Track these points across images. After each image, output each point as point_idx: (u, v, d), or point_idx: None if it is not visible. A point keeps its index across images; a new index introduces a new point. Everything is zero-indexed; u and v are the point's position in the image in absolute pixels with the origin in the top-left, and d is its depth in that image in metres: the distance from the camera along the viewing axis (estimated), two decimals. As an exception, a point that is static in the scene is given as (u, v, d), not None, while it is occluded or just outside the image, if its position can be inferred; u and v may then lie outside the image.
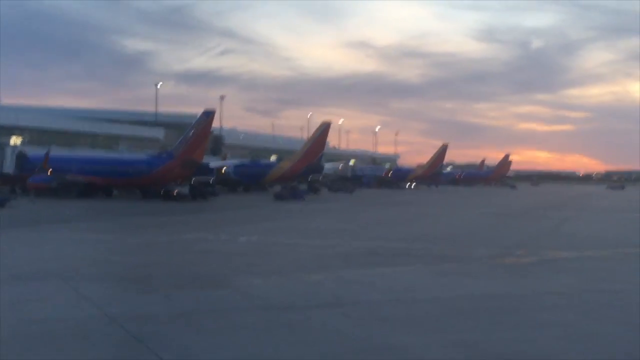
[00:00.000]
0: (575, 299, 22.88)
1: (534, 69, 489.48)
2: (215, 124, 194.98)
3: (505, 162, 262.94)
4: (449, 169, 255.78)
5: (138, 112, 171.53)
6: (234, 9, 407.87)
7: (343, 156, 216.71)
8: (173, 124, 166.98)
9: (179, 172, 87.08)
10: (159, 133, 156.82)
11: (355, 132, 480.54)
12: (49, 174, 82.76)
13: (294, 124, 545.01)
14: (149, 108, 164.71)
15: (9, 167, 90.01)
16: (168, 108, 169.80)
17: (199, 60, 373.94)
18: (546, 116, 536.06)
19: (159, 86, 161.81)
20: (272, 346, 15.90)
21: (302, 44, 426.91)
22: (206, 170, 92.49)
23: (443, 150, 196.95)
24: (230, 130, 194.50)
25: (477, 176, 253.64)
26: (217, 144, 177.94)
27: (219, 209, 72.84)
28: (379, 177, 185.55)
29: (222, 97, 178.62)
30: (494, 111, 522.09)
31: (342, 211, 73.03)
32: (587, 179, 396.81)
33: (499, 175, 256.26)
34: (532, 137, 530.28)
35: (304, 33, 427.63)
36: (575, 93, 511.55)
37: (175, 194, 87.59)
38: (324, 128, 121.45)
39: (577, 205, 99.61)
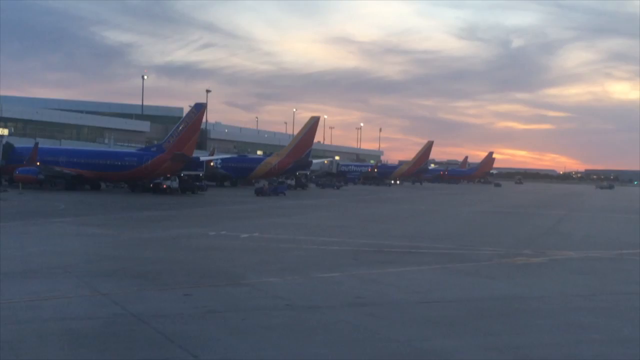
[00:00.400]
0: (600, 301, 22.69)
1: (514, 67, 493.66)
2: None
3: (489, 160, 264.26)
4: (432, 165, 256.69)
5: (123, 104, 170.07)
6: (216, 3, 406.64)
7: (327, 152, 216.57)
8: (159, 117, 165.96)
9: (169, 166, 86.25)
10: (144, 126, 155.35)
11: (337, 128, 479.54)
12: (37, 166, 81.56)
13: (275, 119, 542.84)
14: (129, 100, 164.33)
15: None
16: (149, 101, 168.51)
17: (180, 54, 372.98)
18: (525, 115, 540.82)
19: (145, 77, 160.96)
20: (310, 348, 15.47)
21: (283, 39, 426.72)
22: (197, 164, 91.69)
23: (428, 147, 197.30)
24: (215, 124, 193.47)
25: (460, 173, 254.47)
26: (203, 138, 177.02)
27: (211, 204, 72.14)
28: (364, 173, 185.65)
29: (207, 91, 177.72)
30: (474, 109, 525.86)
31: (336, 207, 72.60)
32: (567, 177, 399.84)
33: (482, 173, 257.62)
34: (511, 136, 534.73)
35: (286, 28, 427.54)
36: (554, 92, 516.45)
37: (164, 187, 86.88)
38: (313, 123, 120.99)
39: (569, 204, 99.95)
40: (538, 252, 35.18)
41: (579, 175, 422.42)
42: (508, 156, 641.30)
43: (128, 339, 15.65)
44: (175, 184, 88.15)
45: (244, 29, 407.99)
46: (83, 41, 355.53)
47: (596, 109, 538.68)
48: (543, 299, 22.34)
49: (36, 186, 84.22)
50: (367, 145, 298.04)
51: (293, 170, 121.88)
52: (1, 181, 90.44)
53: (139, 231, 40.06)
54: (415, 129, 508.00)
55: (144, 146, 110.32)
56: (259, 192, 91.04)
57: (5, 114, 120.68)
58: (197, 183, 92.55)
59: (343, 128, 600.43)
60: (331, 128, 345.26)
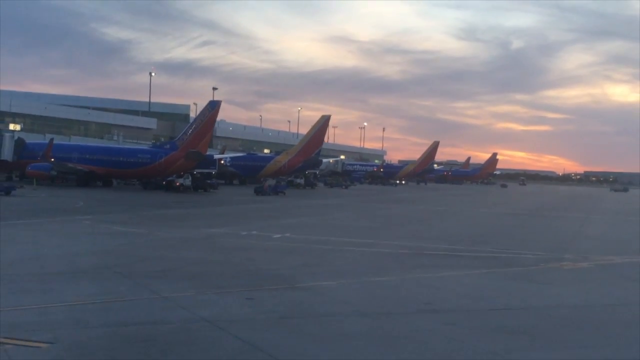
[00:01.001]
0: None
1: (513, 69, 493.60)
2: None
3: (493, 160, 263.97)
4: (435, 166, 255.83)
5: (130, 101, 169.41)
6: (216, 1, 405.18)
7: (331, 151, 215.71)
8: (165, 114, 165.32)
9: (182, 163, 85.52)
10: (152, 123, 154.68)
11: (337, 127, 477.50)
12: (50, 162, 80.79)
13: (274, 117, 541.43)
14: (130, 97, 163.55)
15: (7, 154, 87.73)
16: (148, 98, 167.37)
17: (179, 51, 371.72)
18: (524, 116, 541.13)
19: (153, 74, 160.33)
20: (402, 357, 14.80)
21: (283, 38, 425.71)
22: (210, 162, 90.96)
23: (434, 147, 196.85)
24: (220, 122, 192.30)
25: (464, 174, 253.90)
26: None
27: (229, 202, 71.49)
28: (369, 172, 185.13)
29: (214, 89, 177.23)
30: (473, 110, 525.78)
31: (354, 207, 71.93)
32: (566, 179, 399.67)
33: (486, 174, 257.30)
34: (510, 137, 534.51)
35: (286, 27, 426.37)
36: (553, 94, 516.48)
37: (177, 185, 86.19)
38: (324, 122, 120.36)
39: (584, 207, 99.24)
40: (580, 256, 34.49)
41: (577, 177, 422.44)
42: (507, 157, 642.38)
43: (213, 347, 14.97)
44: (188, 181, 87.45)
45: (244, 27, 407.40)
46: (83, 38, 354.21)
47: (595, 111, 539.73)
48: (616, 308, 21.67)
49: (48, 182, 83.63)
50: (368, 145, 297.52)
51: (303, 169, 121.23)
52: (12, 176, 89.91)
53: (170, 230, 39.34)
54: (414, 129, 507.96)
55: (157, 143, 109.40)
56: (259, 192, 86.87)
57: (13, 109, 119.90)
58: (209, 181, 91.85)
59: (342, 127, 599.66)
60: (334, 127, 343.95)
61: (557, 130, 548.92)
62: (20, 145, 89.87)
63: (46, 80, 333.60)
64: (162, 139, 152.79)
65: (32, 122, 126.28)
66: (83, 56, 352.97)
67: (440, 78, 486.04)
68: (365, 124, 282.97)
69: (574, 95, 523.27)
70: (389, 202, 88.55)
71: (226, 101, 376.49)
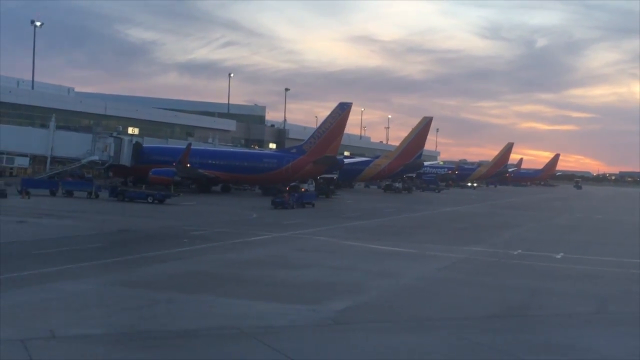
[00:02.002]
0: None
1: (538, 68, 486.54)
2: (273, 116, 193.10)
3: (554, 162, 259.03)
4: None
5: (206, 103, 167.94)
6: (238, 1, 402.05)
7: (384, 152, 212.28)
8: (242, 116, 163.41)
9: (311, 168, 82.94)
10: (231, 125, 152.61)
11: (356, 126, 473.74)
12: (187, 167, 78.40)
13: (297, 117, 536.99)
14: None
15: (126, 158, 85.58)
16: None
17: (202, 52, 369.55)
18: (549, 116, 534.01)
19: (231, 75, 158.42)
20: None
21: (305, 37, 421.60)
22: (337, 166, 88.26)
23: (508, 149, 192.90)
24: (291, 125, 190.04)
25: (525, 176, 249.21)
26: (281, 137, 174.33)
27: (382, 213, 68.16)
28: (444, 175, 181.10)
29: (286, 89, 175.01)
30: (497, 109, 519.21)
31: (514, 216, 68.88)
32: (602, 179, 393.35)
33: (547, 175, 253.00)
34: (535, 136, 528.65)
35: (308, 26, 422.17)
36: (579, 93, 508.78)
37: (303, 190, 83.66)
38: (425, 124, 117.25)
39: None
40: None
41: (613, 177, 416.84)
42: (531, 157, 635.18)
43: None
44: (312, 186, 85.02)
45: (266, 27, 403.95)
46: (107, 39, 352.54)
47: (621, 110, 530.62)
48: None
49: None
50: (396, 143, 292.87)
51: (402, 172, 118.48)
52: (127, 181, 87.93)
53: (449, 248, 36.65)
54: (437, 129, 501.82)
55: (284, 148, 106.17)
56: (278, 204, 64.06)
57: (108, 112, 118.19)
58: (332, 187, 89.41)
59: (366, 127, 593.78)
60: (364, 128, 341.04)
61: (582, 130, 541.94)
62: (137, 149, 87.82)
63: (71, 81, 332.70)
64: (243, 141, 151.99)
65: (122, 124, 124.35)
66: (107, 57, 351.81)
67: (463, 77, 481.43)
68: (389, 116, 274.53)
69: (599, 94, 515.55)
70: (516, 208, 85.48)
71: (248, 102, 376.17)
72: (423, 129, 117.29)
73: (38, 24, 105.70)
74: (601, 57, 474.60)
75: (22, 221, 41.23)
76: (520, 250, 37.08)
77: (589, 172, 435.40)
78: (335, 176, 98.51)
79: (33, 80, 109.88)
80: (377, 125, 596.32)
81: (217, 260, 29.05)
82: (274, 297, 21.47)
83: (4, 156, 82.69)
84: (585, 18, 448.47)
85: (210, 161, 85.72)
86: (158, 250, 30.72)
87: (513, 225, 57.83)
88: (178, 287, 22.48)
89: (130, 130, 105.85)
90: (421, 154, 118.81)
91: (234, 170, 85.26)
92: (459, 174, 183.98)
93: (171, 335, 16.64)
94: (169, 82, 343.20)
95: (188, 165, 77.83)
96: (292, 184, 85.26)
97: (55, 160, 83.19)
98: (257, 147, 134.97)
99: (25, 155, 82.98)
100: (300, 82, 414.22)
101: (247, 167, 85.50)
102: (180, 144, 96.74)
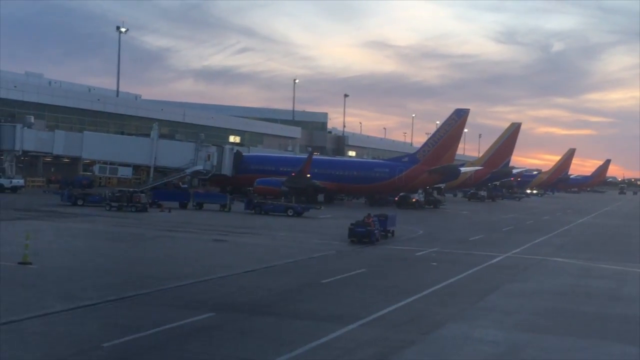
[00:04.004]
0: None
1: (554, 72, 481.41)
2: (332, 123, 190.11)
3: (604, 167, 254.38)
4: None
5: (271, 109, 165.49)
6: (253, 7, 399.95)
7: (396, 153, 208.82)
8: (306, 123, 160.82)
9: (425, 178, 79.69)
10: (296, 132, 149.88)
11: (373, 132, 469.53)
12: (307, 177, 75.31)
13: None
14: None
15: (227, 168, 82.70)
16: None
17: (217, 58, 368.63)
18: (566, 120, 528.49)
19: (296, 81, 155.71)
20: None
21: (320, 43, 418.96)
22: (455, 175, 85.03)
23: (569, 155, 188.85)
24: (351, 133, 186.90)
25: (575, 182, 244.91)
26: (340, 145, 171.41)
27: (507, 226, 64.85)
28: (506, 182, 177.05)
29: (346, 95, 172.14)
30: (513, 114, 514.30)
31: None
32: (631, 184, 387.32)
33: (598, 181, 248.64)
34: (552, 141, 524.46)
35: (323, 32, 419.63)
36: (596, 97, 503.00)
37: (414, 201, 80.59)
38: (513, 130, 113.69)
39: None
40: None
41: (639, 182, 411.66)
42: (548, 162, 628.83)
43: None
44: (422, 197, 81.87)
45: (281, 34, 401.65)
46: (122, 45, 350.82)
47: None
48: None
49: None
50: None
51: (490, 180, 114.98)
52: (227, 191, 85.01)
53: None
54: (480, 134, 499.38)
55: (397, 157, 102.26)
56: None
57: (187, 120, 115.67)
58: (439, 196, 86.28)
59: (379, 133, 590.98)
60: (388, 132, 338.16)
61: (600, 135, 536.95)
62: (238, 158, 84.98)
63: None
64: (309, 148, 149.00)
65: (193, 132, 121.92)
66: (123, 64, 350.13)
67: (479, 82, 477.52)
68: (414, 115, 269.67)
69: (617, 98, 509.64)
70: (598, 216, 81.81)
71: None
72: (511, 135, 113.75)
73: (123, 30, 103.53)
74: (618, 60, 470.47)
75: (219, 240, 38.45)
76: None
77: (614, 177, 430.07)
78: (443, 186, 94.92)
79: (118, 89, 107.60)
80: (393, 131, 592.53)
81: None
82: None
83: (108, 166, 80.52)
84: (602, 22, 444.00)
85: (316, 170, 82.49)
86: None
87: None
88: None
89: (231, 138, 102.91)
90: (509, 162, 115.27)
91: (344, 180, 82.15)
92: (520, 181, 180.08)
93: None
94: (185, 88, 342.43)
95: (308, 175, 74.74)
96: (402, 194, 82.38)
97: (158, 170, 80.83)
98: (318, 154, 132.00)
99: (128, 165, 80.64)
100: (315, 88, 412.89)
101: (357, 176, 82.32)
102: (275, 153, 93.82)
